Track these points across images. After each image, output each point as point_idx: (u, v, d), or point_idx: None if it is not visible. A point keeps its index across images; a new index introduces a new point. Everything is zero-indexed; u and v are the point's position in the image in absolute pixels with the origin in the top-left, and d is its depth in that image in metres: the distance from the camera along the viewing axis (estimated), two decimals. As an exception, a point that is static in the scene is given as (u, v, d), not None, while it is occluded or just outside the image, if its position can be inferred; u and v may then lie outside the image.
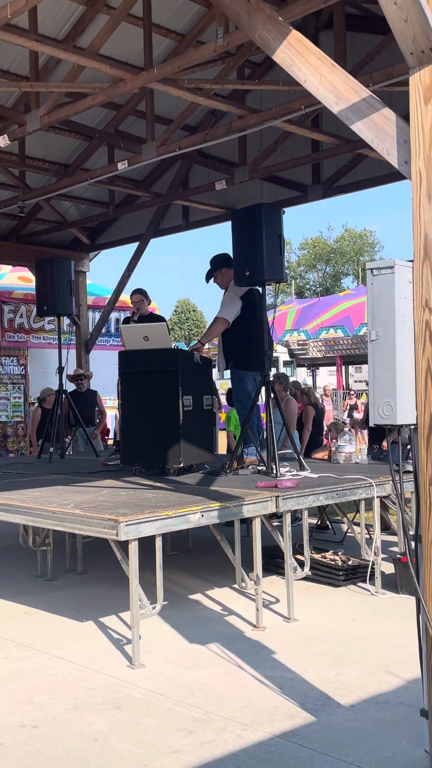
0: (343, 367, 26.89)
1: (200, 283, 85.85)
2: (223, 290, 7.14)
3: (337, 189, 10.20)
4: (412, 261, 2.93)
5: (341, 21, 7.15)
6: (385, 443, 6.81)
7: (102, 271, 69.50)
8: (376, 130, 3.21)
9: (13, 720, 3.76)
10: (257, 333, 6.60)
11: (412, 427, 2.96)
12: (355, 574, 6.16)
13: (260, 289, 6.62)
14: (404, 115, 3.08)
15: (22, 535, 6.15)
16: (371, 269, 3.03)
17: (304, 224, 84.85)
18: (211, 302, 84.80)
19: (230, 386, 7.83)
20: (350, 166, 9.86)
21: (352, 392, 24.63)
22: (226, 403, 9.82)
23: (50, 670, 4.45)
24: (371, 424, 3.12)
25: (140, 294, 8.13)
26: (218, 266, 7.18)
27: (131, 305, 8.38)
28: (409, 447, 4.85)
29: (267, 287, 6.69)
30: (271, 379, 6.63)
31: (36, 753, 3.40)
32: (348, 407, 22.03)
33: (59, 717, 3.78)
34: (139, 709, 3.85)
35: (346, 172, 9.98)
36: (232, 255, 6.65)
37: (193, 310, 59.25)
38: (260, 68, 9.44)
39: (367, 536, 6.33)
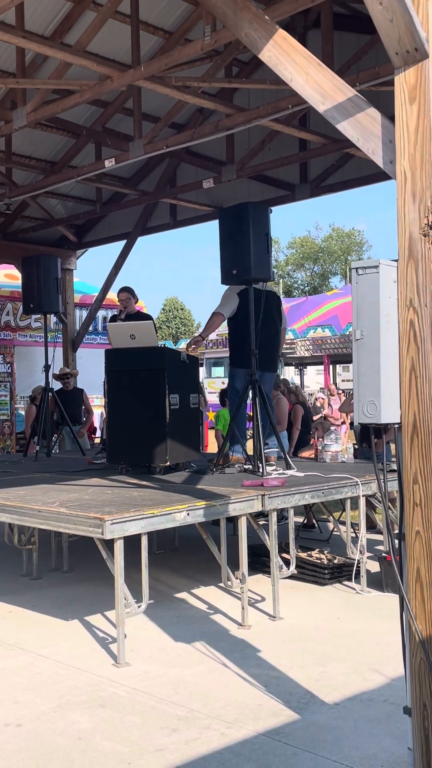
0: (331, 366, 26.94)
1: (188, 281, 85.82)
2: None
3: (324, 188, 10.22)
4: (396, 260, 2.94)
5: (329, 20, 7.17)
6: (378, 442, 6.83)
7: (89, 269, 69.28)
8: (362, 129, 3.21)
9: (-3, 719, 3.75)
10: (247, 331, 6.61)
11: (396, 425, 2.97)
12: (341, 572, 6.18)
13: (262, 287, 6.62)
14: (390, 115, 3.09)
15: (8, 533, 6.13)
16: (356, 268, 3.03)
17: (292, 223, 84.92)
18: (199, 301, 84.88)
19: (222, 386, 7.88)
20: (338, 166, 9.88)
21: (340, 391, 24.69)
22: (219, 403, 9.83)
23: (35, 668, 4.44)
24: (356, 423, 3.13)
25: (127, 292, 8.11)
26: None
27: (118, 303, 8.36)
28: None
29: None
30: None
31: (20, 751, 3.39)
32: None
33: (43, 716, 3.77)
34: (124, 708, 3.85)
35: (334, 171, 10.00)
36: (219, 253, 6.64)
37: (181, 309, 59.22)
38: (248, 67, 9.43)
39: (353, 535, 6.36)
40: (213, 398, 16.07)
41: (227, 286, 6.95)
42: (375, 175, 9.46)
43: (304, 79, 3.44)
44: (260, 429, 6.35)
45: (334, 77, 3.35)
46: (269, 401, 7.21)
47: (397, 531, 3.06)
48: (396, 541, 3.08)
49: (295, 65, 3.46)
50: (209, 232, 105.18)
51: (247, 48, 8.32)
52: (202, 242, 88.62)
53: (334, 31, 7.37)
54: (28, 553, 6.43)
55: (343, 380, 29.29)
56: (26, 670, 4.41)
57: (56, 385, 10.03)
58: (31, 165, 10.63)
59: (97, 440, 12.36)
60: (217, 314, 6.91)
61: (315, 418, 11.14)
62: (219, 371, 26.60)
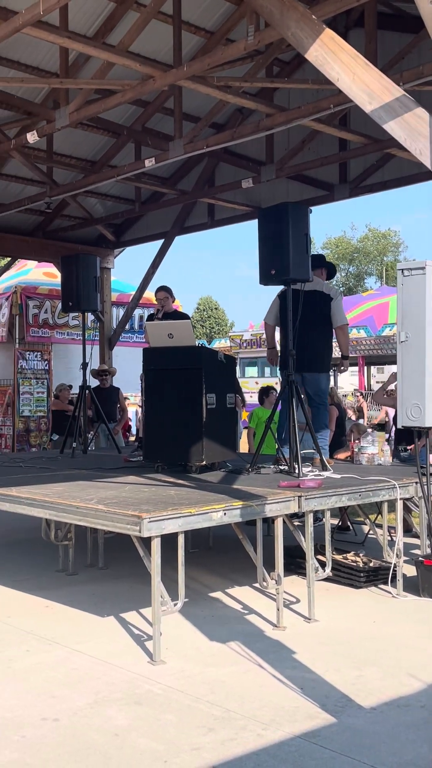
0: (366, 367, 26.75)
1: (223, 280, 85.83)
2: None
3: (364, 188, 10.16)
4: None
5: (373, 19, 7.11)
6: (411, 445, 6.78)
7: (124, 268, 69.75)
8: (409, 129, 3.19)
9: (35, 713, 3.79)
10: (284, 332, 6.63)
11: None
12: (377, 576, 6.13)
13: (300, 286, 6.62)
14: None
15: (44, 529, 6.19)
16: (402, 270, 3.01)
17: (328, 224, 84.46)
18: (232, 300, 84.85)
19: (260, 385, 7.91)
20: (378, 166, 9.82)
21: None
22: (257, 402, 9.84)
23: (71, 664, 4.47)
24: (399, 426, 3.10)
25: (165, 291, 8.13)
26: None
27: (156, 302, 8.39)
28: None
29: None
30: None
31: (57, 746, 3.42)
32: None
33: (80, 711, 3.80)
34: (160, 706, 3.86)
35: (374, 172, 9.94)
36: (258, 253, 6.63)
37: (216, 308, 59.25)
38: (288, 66, 9.41)
39: (389, 538, 6.30)
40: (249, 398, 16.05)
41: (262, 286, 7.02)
42: (416, 175, 9.36)
43: (351, 78, 3.42)
44: (296, 430, 6.33)
45: (381, 77, 3.33)
46: (318, 402, 7.18)
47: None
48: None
49: (342, 65, 3.44)
50: (242, 231, 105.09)
51: (288, 47, 8.34)
52: (235, 241, 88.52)
53: (377, 30, 7.32)
54: (64, 549, 6.48)
55: (377, 382, 29.07)
56: (62, 665, 4.45)
57: (92, 383, 10.13)
58: (71, 164, 10.73)
59: (132, 438, 12.44)
60: (264, 323, 7.02)
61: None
62: (252, 371, 26.56)
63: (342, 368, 7.58)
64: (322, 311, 7.10)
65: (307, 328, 6.82)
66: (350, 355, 7.93)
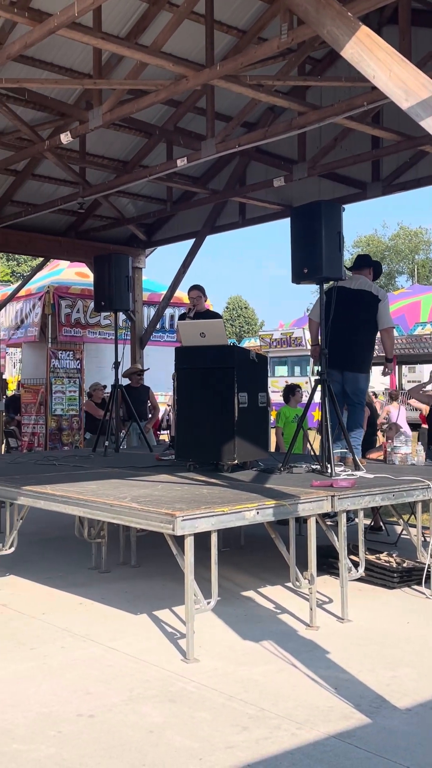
0: (397, 367, 26.53)
1: (252, 280, 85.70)
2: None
3: (397, 186, 10.08)
4: None
5: (407, 16, 7.05)
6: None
7: (153, 267, 70.02)
8: (447, 126, 3.16)
9: (70, 709, 3.82)
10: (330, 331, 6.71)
11: None
12: (410, 576, 6.09)
13: (351, 285, 6.66)
14: None
15: (78, 526, 6.24)
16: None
17: (359, 222, 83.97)
18: (262, 300, 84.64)
19: (284, 384, 7.88)
20: (411, 163, 9.73)
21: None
22: (282, 401, 9.81)
23: (106, 661, 4.50)
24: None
25: (198, 290, 8.15)
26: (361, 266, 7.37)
27: (188, 301, 8.41)
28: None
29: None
30: None
31: (93, 742, 3.45)
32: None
33: (115, 708, 3.83)
34: (194, 704, 3.87)
35: (407, 169, 9.85)
36: (290, 252, 6.62)
37: (245, 307, 59.24)
38: (321, 64, 9.37)
39: (423, 539, 6.25)
40: (276, 397, 16.01)
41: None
42: (450, 172, 9.29)
43: (388, 75, 3.40)
44: (329, 429, 6.30)
45: (418, 74, 3.30)
46: (356, 401, 7.14)
47: None
48: None
49: (378, 62, 3.42)
50: (271, 230, 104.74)
51: (321, 45, 8.30)
52: (264, 240, 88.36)
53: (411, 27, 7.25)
54: (97, 547, 6.53)
55: (408, 381, 28.82)
56: (97, 662, 4.48)
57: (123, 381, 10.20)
58: (103, 164, 10.79)
59: (163, 437, 12.49)
60: (309, 320, 7.01)
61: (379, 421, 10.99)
62: (282, 370, 26.49)
63: (386, 371, 7.58)
64: (369, 312, 7.07)
65: (353, 327, 6.81)
66: (381, 354, 7.89)
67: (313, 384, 6.84)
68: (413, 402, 11.50)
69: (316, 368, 7.50)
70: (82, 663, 4.47)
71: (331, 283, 6.77)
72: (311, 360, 7.76)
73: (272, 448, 9.60)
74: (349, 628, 5.10)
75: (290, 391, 9.62)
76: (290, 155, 10.22)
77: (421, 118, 3.29)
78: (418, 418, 12.86)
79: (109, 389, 9.30)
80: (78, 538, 6.34)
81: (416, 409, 13.33)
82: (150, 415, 11.31)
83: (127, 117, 8.70)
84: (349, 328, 6.67)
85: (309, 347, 7.29)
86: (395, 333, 25.12)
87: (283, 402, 9.79)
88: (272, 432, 10.31)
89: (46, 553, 7.37)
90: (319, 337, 7.30)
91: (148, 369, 11.72)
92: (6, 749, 3.39)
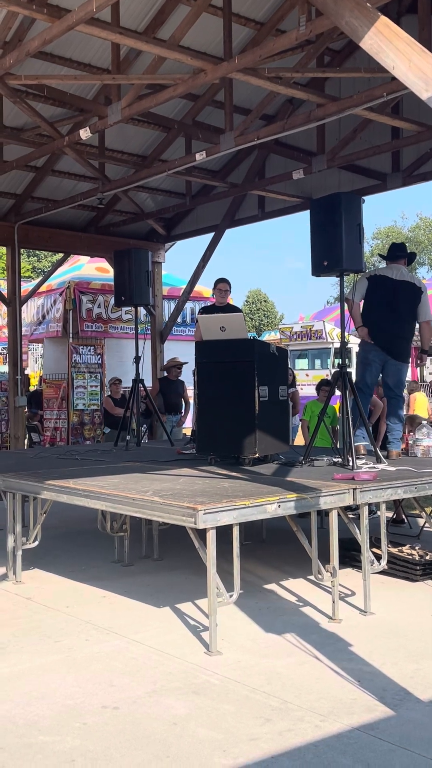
0: (418, 359, 26.36)
1: (272, 273, 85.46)
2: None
3: (417, 177, 10.01)
4: None
5: (426, 5, 6.99)
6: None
7: (174, 261, 70.06)
8: (468, 116, 3.13)
9: (95, 701, 3.86)
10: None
11: None
12: (433, 569, 6.07)
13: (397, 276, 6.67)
14: None
15: (100, 520, 6.29)
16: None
17: (378, 214, 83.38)
18: (281, 293, 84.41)
19: (310, 378, 7.86)
20: (431, 154, 9.65)
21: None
22: (316, 394, 9.81)
23: (129, 653, 4.54)
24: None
25: (227, 283, 8.17)
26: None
27: (210, 294, 8.39)
28: None
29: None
30: None
31: (118, 734, 3.48)
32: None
33: (139, 700, 3.86)
34: (217, 696, 3.89)
35: (427, 160, 9.78)
36: (310, 244, 6.60)
37: (265, 301, 59.07)
38: (339, 55, 9.32)
39: (446, 531, 6.23)
40: (310, 390, 15.92)
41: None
42: (471, 162, 9.20)
43: (407, 66, 3.37)
44: (350, 421, 6.29)
45: (438, 63, 3.27)
46: (398, 393, 7.09)
47: None
48: None
49: (398, 52, 3.40)
50: (290, 223, 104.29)
51: (340, 36, 8.24)
52: (283, 233, 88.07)
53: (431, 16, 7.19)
54: (119, 540, 6.57)
55: (430, 373, 28.65)
56: (121, 655, 4.52)
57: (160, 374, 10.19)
58: (122, 159, 10.81)
59: (185, 431, 12.52)
60: (347, 300, 6.89)
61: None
62: (303, 363, 26.39)
63: (421, 362, 7.57)
64: (412, 303, 7.00)
65: (397, 317, 6.80)
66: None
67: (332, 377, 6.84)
68: None
69: (336, 360, 7.49)
70: (106, 655, 4.51)
71: (370, 270, 6.79)
72: (332, 352, 7.71)
73: (301, 442, 9.61)
74: (372, 621, 5.09)
75: (321, 385, 9.61)
76: (309, 147, 10.18)
77: (442, 108, 3.27)
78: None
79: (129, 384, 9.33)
80: (101, 531, 6.38)
81: None
82: (183, 410, 11.33)
83: (146, 111, 8.71)
84: (393, 319, 6.69)
85: (353, 328, 7.20)
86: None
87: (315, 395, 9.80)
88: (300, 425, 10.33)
89: (69, 546, 7.43)
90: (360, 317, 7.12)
91: (187, 363, 11.72)
92: (32, 741, 3.43)
